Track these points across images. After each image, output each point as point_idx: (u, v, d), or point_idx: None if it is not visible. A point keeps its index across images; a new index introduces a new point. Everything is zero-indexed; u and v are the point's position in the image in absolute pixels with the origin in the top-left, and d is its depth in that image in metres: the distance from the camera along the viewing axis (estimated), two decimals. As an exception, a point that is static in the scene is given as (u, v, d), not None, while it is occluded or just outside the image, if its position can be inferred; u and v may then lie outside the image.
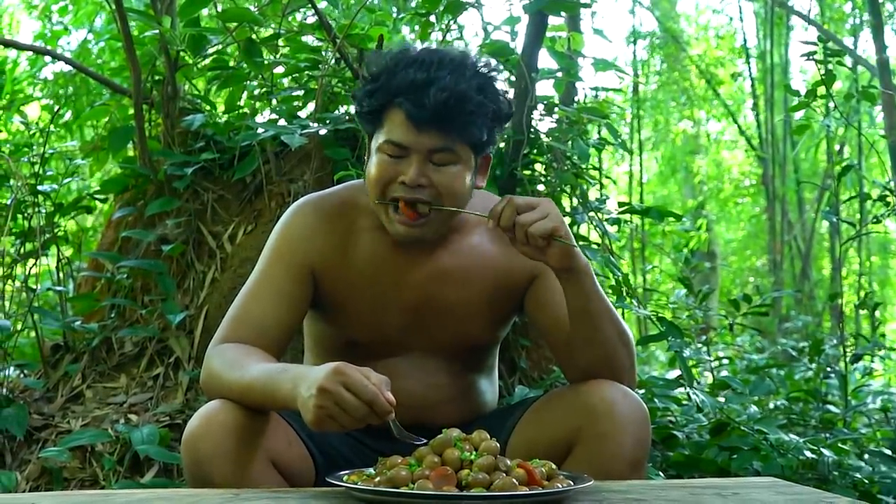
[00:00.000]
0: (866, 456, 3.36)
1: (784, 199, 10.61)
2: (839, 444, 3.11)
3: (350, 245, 1.99)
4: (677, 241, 8.68)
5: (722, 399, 3.47)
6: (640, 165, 9.19)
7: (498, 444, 1.63)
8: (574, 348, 1.94)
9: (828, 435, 3.41)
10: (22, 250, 3.36)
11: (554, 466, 1.63)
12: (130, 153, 3.61)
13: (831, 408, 3.79)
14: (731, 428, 3.11)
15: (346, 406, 1.56)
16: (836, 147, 10.51)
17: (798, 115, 3.67)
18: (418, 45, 1.99)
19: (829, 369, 4.03)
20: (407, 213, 1.88)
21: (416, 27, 3.68)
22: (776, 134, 10.60)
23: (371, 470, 1.65)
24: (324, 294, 2.01)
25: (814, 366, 4.12)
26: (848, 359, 3.71)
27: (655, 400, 3.20)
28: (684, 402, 3.37)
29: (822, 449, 2.99)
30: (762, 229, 13.05)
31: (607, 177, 4.03)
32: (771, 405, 4.39)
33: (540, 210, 1.75)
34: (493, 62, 1.96)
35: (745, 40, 11.76)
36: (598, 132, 3.86)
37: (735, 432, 3.10)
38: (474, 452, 1.59)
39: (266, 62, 3.36)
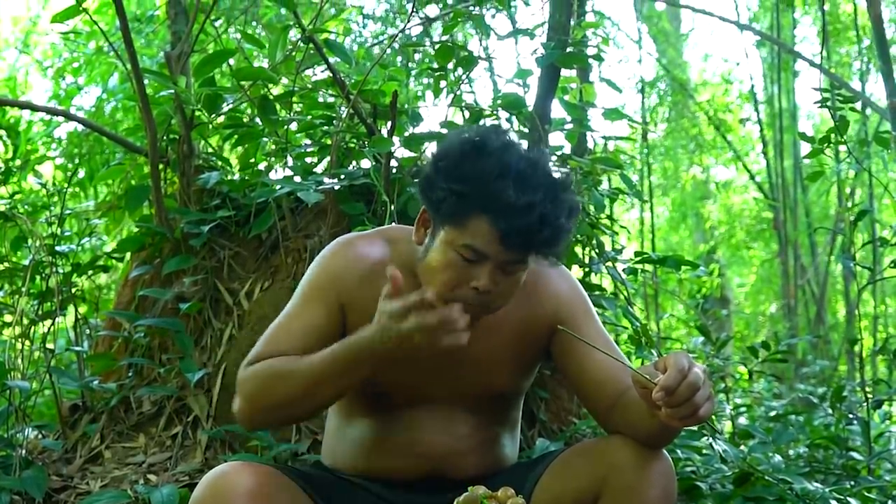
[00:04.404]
0: (890, 503, 3.32)
1: (796, 244, 10.58)
2: (864, 493, 3.07)
3: (378, 288, 1.98)
4: (690, 287, 8.66)
5: (744, 448, 3.43)
6: (651, 212, 9.18)
7: (524, 501, 1.62)
8: (616, 416, 1.93)
9: (852, 483, 3.37)
10: (40, 311, 3.37)
11: (582, 523, 1.62)
12: (146, 212, 3.63)
13: (854, 455, 3.75)
14: (756, 478, 3.08)
15: (416, 329, 1.68)
16: (847, 191, 10.51)
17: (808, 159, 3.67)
18: (481, 131, 1.90)
19: (850, 415, 3.99)
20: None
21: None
22: (786, 178, 10.61)
23: (397, 530, 1.64)
24: (351, 331, 2.01)
25: (834, 412, 4.08)
26: (869, 404, 3.67)
27: (677, 450, 3.17)
28: (705, 452, 3.34)
29: (847, 498, 2.95)
30: (774, 274, 13.00)
31: (622, 226, 4.03)
32: (791, 452, 4.34)
33: (706, 387, 1.66)
34: (566, 169, 1.94)
35: (752, 86, 11.78)
36: (609, 181, 3.86)
37: (759, 482, 3.06)
38: (501, 510, 1.58)
39: (280, 119, 3.39)
